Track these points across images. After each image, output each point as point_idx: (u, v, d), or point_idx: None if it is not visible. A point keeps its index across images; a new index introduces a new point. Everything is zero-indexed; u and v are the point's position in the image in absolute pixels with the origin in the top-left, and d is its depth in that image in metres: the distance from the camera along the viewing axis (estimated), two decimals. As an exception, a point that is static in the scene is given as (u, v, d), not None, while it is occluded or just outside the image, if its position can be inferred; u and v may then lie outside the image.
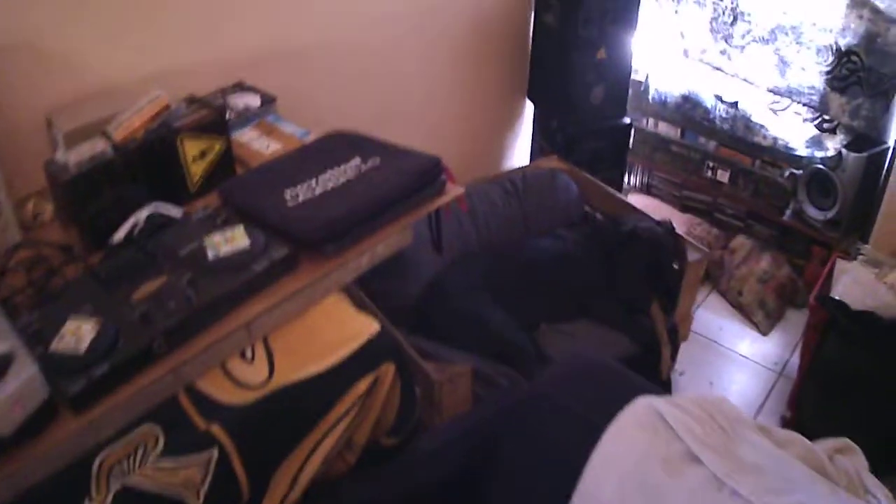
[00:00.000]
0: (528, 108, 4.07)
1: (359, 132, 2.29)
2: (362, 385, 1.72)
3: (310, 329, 1.77)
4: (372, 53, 3.16)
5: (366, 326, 1.76)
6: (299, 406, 1.63)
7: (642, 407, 1.56)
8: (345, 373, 1.69)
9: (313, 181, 2.04)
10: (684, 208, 4.30)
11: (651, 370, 3.05)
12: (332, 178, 2.04)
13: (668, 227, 3.15)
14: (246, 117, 2.46)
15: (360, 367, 1.72)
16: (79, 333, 1.51)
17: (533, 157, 4.03)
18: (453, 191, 2.10)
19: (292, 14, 2.79)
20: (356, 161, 2.10)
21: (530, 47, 3.81)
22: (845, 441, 1.56)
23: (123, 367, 1.51)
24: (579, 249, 3.03)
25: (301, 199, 1.97)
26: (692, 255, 3.00)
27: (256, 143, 2.36)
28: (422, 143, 3.39)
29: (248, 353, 1.72)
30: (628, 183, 4.44)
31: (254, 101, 2.52)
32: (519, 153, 4.20)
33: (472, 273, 2.90)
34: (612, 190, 3.35)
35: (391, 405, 1.80)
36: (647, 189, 4.45)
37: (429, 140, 3.33)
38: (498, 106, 3.95)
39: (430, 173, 2.06)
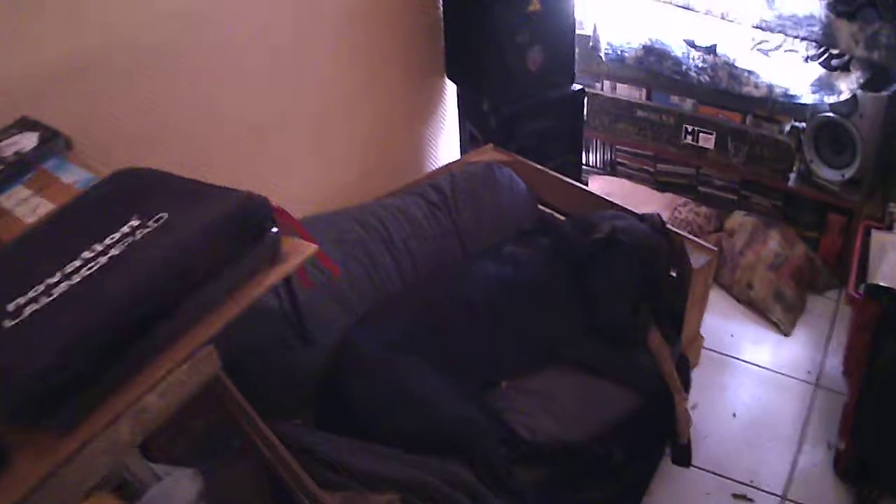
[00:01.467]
0: (450, 89, 3.53)
1: (153, 170, 1.59)
2: None
3: None
4: (225, 48, 2.54)
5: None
6: None
7: None
8: None
9: (56, 275, 1.26)
10: (661, 186, 3.80)
11: (664, 429, 2.40)
12: (84, 265, 1.27)
13: (655, 222, 2.48)
14: (19, 168, 1.87)
15: None
16: None
17: (463, 150, 3.56)
18: (299, 252, 1.24)
19: (105, 10, 2.20)
20: (131, 224, 1.35)
21: (441, 10, 3.28)
22: None
23: None
24: (538, 269, 2.47)
25: (28, 312, 1.21)
26: (696, 258, 2.41)
27: (21, 209, 1.73)
28: (313, 157, 2.99)
29: None
30: (587, 164, 4.00)
31: (29, 142, 1.92)
32: (445, 149, 3.68)
33: (393, 326, 2.32)
34: (570, 180, 2.85)
35: None
36: (611, 168, 3.98)
37: (322, 150, 3.04)
38: (409, 92, 3.39)
39: (243, 229, 1.30)
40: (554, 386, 2.31)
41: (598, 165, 4.04)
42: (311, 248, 1.42)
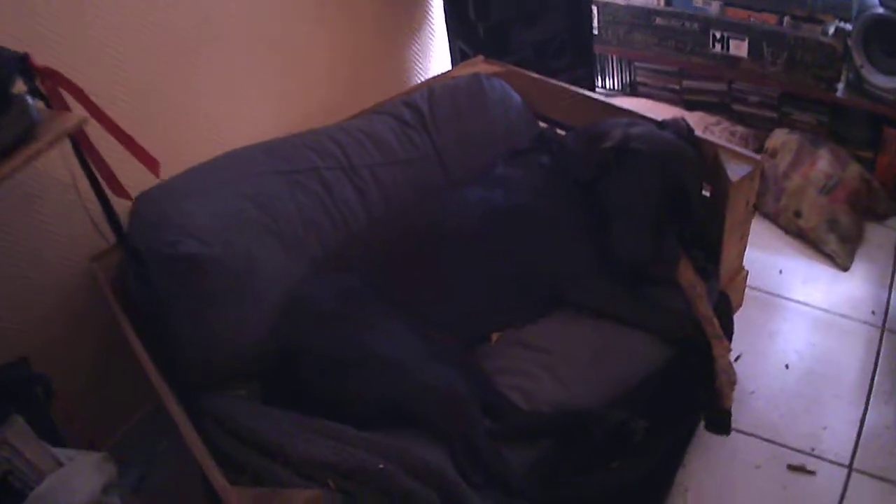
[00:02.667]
0: (437, 4, 3.21)
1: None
2: None
3: None
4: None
5: None
6: None
7: None
8: None
9: None
10: (690, 105, 3.54)
11: (700, 388, 2.01)
12: None
13: (680, 127, 2.09)
14: None
15: None
16: None
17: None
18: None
19: None
20: None
21: None
22: None
23: None
24: (535, 193, 2.13)
25: None
26: (734, 170, 2.02)
27: None
28: (270, 82, 2.62)
29: None
30: (603, 87, 3.77)
31: None
32: (432, 72, 3.32)
33: (355, 270, 2.03)
34: (575, 88, 2.51)
35: None
36: (631, 89, 3.73)
37: (282, 74, 2.69)
38: (387, 6, 3.01)
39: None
40: (558, 337, 1.96)
41: (615, 88, 3.80)
42: (73, 118, 0.98)
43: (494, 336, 2.01)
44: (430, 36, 3.27)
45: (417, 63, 3.26)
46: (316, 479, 1.51)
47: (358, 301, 1.92)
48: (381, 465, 1.51)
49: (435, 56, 3.34)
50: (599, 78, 3.67)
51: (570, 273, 2.04)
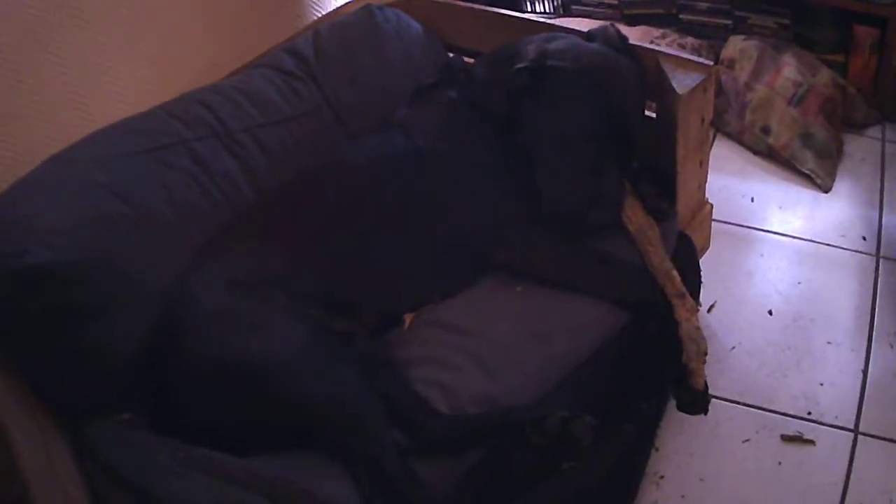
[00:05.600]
0: None
1: None
2: None
3: None
4: None
5: None
6: None
7: None
8: None
9: None
10: (631, 20, 3.27)
11: (663, 359, 1.72)
12: None
13: (610, 36, 1.82)
14: None
15: None
16: None
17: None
18: None
19: None
20: None
21: None
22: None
23: None
24: (441, 134, 1.84)
25: None
26: (681, 81, 1.75)
27: None
28: (152, 44, 2.19)
29: None
30: (533, 10, 3.48)
31: None
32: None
33: (239, 257, 1.70)
34: (488, 8, 2.23)
35: None
36: (564, 10, 3.44)
37: (164, 34, 2.23)
38: None
39: None
40: (484, 313, 1.68)
41: (545, 10, 3.52)
42: None
43: (408, 318, 1.70)
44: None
45: (314, 8, 2.90)
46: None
47: (245, 293, 1.62)
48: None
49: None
50: (528, 2, 3.44)
51: (494, 229, 1.75)
